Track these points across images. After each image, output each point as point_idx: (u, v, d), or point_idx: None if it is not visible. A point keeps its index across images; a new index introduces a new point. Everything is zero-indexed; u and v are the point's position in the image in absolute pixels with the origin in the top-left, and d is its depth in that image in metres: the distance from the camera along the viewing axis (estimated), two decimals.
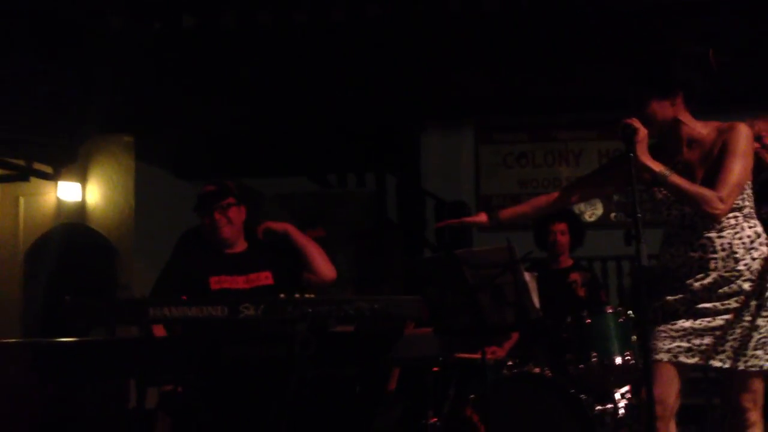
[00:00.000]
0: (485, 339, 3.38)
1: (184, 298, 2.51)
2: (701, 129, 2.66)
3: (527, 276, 3.12)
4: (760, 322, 2.56)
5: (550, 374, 3.88)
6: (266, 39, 6.16)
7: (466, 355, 4.09)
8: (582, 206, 7.82)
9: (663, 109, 2.63)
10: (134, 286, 6.37)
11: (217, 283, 3.34)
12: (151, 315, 2.42)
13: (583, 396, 3.80)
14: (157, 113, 6.36)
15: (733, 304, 2.57)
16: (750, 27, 5.52)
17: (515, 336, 4.50)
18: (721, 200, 2.53)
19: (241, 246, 3.52)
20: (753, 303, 2.56)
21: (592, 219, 7.75)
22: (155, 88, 6.11)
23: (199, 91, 6.23)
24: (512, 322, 3.21)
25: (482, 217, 2.92)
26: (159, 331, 2.91)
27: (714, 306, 2.58)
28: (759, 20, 5.42)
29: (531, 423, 3.77)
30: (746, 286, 2.57)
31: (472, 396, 3.85)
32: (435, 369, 4.05)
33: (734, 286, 2.57)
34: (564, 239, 4.67)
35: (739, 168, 2.55)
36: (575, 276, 4.50)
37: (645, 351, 2.51)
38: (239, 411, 2.79)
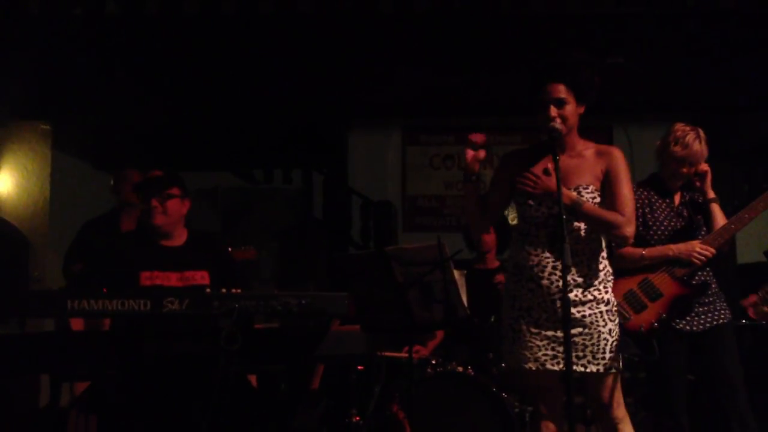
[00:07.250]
0: (412, 337, 3.38)
1: (105, 290, 2.42)
2: (581, 144, 2.87)
3: (456, 273, 3.14)
4: (611, 326, 2.74)
5: (472, 373, 3.93)
6: (192, 29, 6.00)
7: (392, 354, 4.09)
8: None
9: (574, 115, 2.80)
10: (47, 279, 6.12)
11: (148, 279, 3.15)
12: (69, 308, 2.33)
13: (504, 394, 3.87)
14: (76, 101, 6.13)
15: (587, 311, 2.73)
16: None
17: (440, 335, 4.53)
18: (629, 223, 2.74)
19: (179, 239, 3.35)
20: (604, 309, 2.75)
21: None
22: (75, 76, 5.88)
23: (121, 80, 6.03)
24: (440, 320, 3.22)
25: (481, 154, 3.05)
26: (76, 325, 2.79)
27: (571, 316, 2.69)
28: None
29: (454, 420, 3.82)
30: (597, 294, 2.75)
31: (397, 394, 3.86)
32: (360, 367, 4.03)
33: (588, 294, 2.74)
34: (489, 238, 4.74)
35: (628, 191, 2.78)
36: (501, 277, 4.56)
37: (566, 352, 2.56)
38: (161, 407, 2.70)
